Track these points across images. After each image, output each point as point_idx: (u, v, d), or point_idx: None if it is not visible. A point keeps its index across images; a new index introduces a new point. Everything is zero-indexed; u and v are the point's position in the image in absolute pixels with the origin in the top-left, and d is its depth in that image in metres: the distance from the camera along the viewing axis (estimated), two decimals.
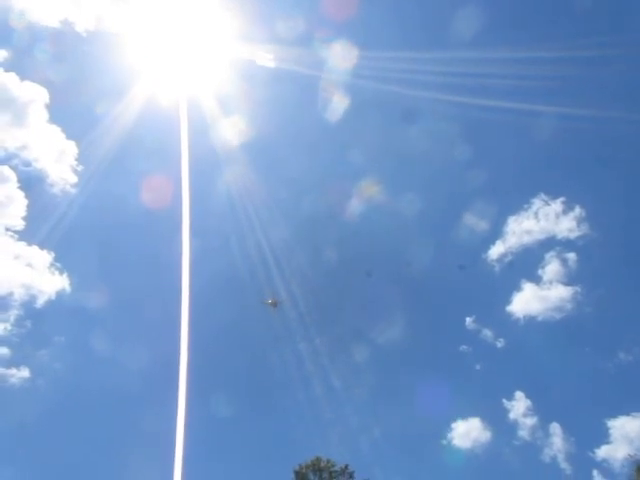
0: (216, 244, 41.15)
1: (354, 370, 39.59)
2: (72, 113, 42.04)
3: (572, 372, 38.92)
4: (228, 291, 41.30)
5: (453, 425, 37.50)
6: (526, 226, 41.92)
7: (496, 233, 42.20)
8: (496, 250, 41.81)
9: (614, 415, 35.84)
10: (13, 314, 38.02)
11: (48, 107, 41.29)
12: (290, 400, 38.16)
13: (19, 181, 40.47)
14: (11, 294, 38.37)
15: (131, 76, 39.96)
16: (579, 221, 41.23)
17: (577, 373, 39.01)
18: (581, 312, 40.13)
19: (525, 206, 42.29)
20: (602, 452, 35.18)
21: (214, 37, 38.76)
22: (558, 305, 40.14)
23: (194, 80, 38.08)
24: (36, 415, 36.12)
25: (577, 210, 41.42)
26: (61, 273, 39.75)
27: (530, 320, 40.31)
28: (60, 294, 39.46)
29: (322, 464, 30.94)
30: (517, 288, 41.28)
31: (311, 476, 30.71)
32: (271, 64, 38.25)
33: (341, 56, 38.57)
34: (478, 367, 40.36)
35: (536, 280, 41.19)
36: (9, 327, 37.65)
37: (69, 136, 41.83)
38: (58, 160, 41.93)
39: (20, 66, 40.61)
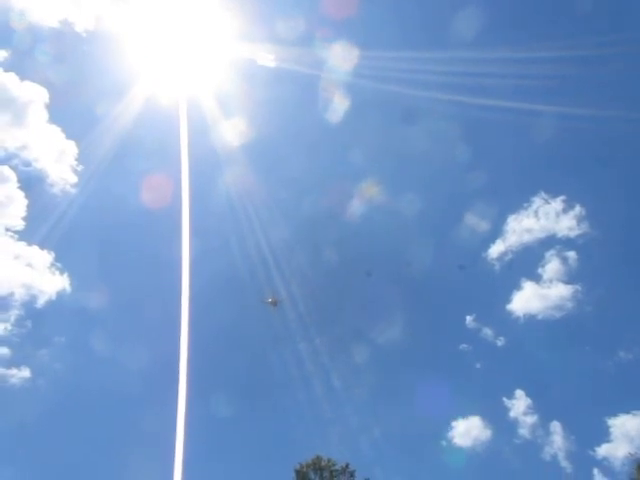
0: (216, 244, 41.22)
1: (354, 369, 39.67)
2: (72, 113, 42.18)
3: (572, 370, 39.00)
4: (228, 291, 41.37)
5: (453, 424, 37.61)
6: (526, 225, 42.06)
7: (496, 232, 42.34)
8: (496, 249, 41.94)
9: (614, 413, 35.92)
10: (13, 314, 38.11)
11: (48, 107, 41.42)
12: (290, 400, 38.23)
13: (19, 181, 40.59)
14: (11, 294, 38.47)
15: (131, 76, 40.06)
16: (579, 220, 41.35)
17: (577, 371, 39.07)
18: (581, 311, 40.24)
19: (525, 205, 42.43)
20: (602, 450, 35.29)
21: (214, 37, 38.84)
22: (558, 304, 40.24)
23: (194, 80, 38.14)
24: (36, 415, 36.19)
25: (577, 209, 41.57)
26: (61, 273, 39.84)
27: (530, 319, 40.42)
28: (60, 294, 39.57)
29: (323, 463, 30.94)
30: (517, 287, 41.42)
31: (312, 475, 30.71)
32: (271, 64, 38.31)
33: (341, 56, 38.64)
34: (478, 366, 40.48)
35: (536, 279, 41.31)
36: (9, 327, 37.73)
37: (69, 136, 41.96)
38: (58, 160, 42.05)
39: (20, 66, 40.73)
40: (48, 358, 39.02)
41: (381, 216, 43.48)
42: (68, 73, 40.40)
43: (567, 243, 41.31)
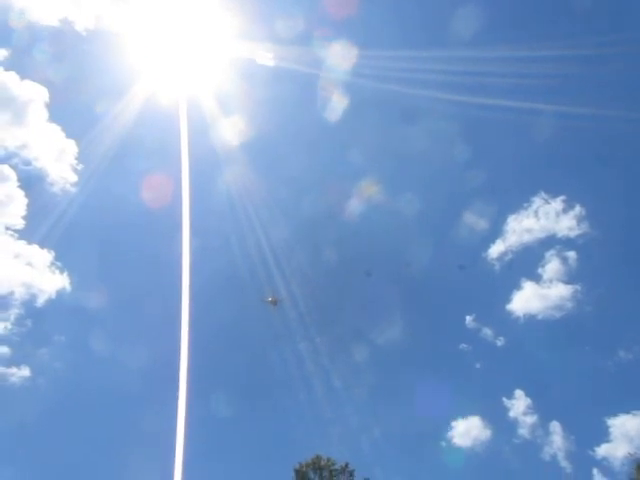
0: (216, 243, 41.19)
1: (354, 369, 39.67)
2: (72, 112, 42.09)
3: (572, 370, 38.98)
4: (228, 290, 41.35)
5: (453, 424, 37.60)
6: (526, 225, 41.99)
7: (496, 232, 42.27)
8: (496, 249, 41.88)
9: (614, 413, 35.90)
10: (13, 313, 38.11)
11: (48, 106, 41.37)
12: (290, 399, 38.23)
13: (19, 180, 40.55)
14: (11, 293, 38.47)
15: (131, 75, 40.00)
16: (579, 220, 41.30)
17: (577, 371, 39.06)
18: (581, 311, 40.20)
19: (525, 205, 42.36)
20: (602, 450, 35.28)
21: (214, 36, 38.76)
22: (558, 304, 40.20)
23: (194, 79, 38.12)
24: (36, 414, 36.18)
25: (577, 209, 41.50)
26: (61, 272, 39.81)
27: (530, 319, 40.38)
28: (60, 293, 39.54)
29: (322, 462, 30.95)
30: (517, 287, 41.35)
31: (311, 474, 30.72)
32: (271, 63, 38.26)
33: (341, 55, 38.59)
34: (478, 366, 40.45)
35: (536, 279, 41.26)
36: (9, 326, 37.73)
37: (69, 135, 41.91)
38: (58, 159, 41.99)
39: (20, 65, 40.71)
40: (48, 357, 39.11)
41: (381, 215, 43.49)
42: (68, 72, 40.43)
43: (567, 243, 41.34)
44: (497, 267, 41.93)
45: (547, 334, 40.34)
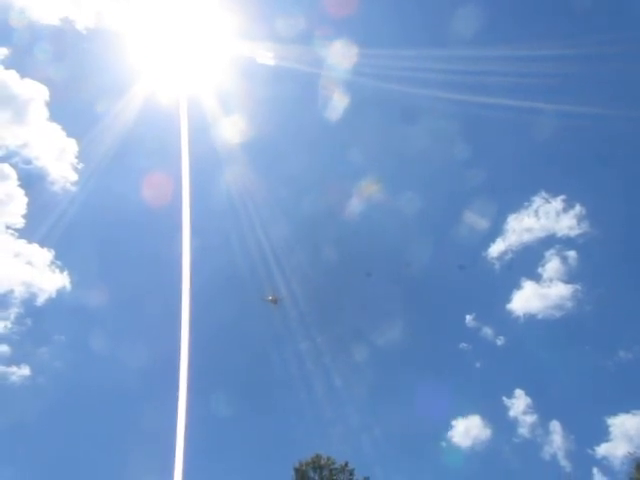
0: (216, 242, 41.17)
1: (354, 368, 39.64)
2: (72, 111, 42.06)
3: (572, 370, 38.90)
4: (228, 290, 41.33)
5: (453, 423, 37.58)
6: (526, 224, 41.96)
7: (496, 231, 42.23)
8: (496, 248, 41.85)
9: (614, 413, 35.89)
10: (13, 312, 38.11)
11: (48, 105, 41.38)
12: (290, 399, 38.22)
13: (19, 179, 40.55)
14: (11, 292, 38.47)
15: (131, 74, 39.96)
16: (579, 219, 41.28)
17: (577, 371, 38.99)
18: (581, 310, 40.19)
19: (525, 204, 42.34)
20: (602, 450, 35.26)
21: (214, 35, 38.71)
22: (558, 303, 40.18)
23: (194, 78, 38.07)
24: (36, 413, 36.26)
25: (577, 208, 41.48)
26: (61, 271, 39.81)
27: (530, 318, 40.36)
28: (60, 292, 39.53)
29: (322, 461, 30.99)
30: (517, 286, 41.32)
31: (311, 473, 30.75)
32: (271, 62, 38.25)
33: (341, 54, 38.56)
34: (478, 365, 40.44)
35: (536, 278, 41.24)
36: (9, 325, 37.74)
37: (69, 134, 41.88)
38: (58, 158, 41.96)
39: (20, 64, 40.68)
40: (48, 356, 39.08)
41: (381, 214, 43.50)
42: (68, 71, 40.44)
43: (567, 242, 41.32)
44: (497, 266, 42.00)
45: (547, 333, 40.41)
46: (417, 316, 42.02)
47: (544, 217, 41.87)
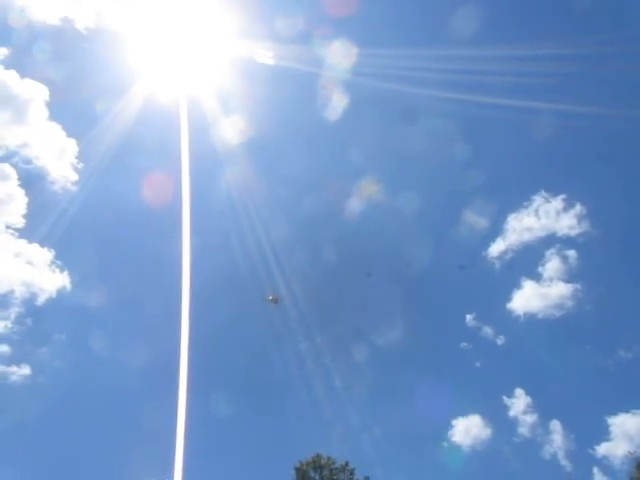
0: (216, 242, 41.12)
1: (354, 368, 39.65)
2: (72, 111, 42.05)
3: (572, 369, 38.90)
4: (228, 289, 41.33)
5: (453, 422, 37.54)
6: (526, 223, 41.91)
7: (496, 230, 42.19)
8: (496, 247, 41.81)
9: (614, 412, 35.86)
10: (14, 312, 38.12)
11: (48, 105, 41.31)
12: (291, 399, 38.25)
13: (19, 179, 40.49)
14: (12, 292, 38.47)
15: (131, 74, 39.91)
16: (580, 218, 41.24)
17: (577, 370, 38.97)
18: (581, 310, 40.18)
19: (525, 203, 42.29)
20: (602, 449, 35.24)
21: (214, 35, 38.64)
22: (558, 303, 40.16)
23: (194, 78, 38.02)
24: (37, 413, 36.20)
25: (578, 207, 41.44)
26: (62, 271, 39.79)
27: (530, 317, 40.34)
28: (61, 292, 39.52)
29: (323, 461, 31.00)
30: (517, 285, 41.28)
31: (311, 473, 30.76)
32: (271, 62, 38.21)
33: (341, 54, 38.52)
34: (478, 364, 40.42)
35: (536, 278, 41.20)
36: (10, 325, 37.75)
37: (70, 134, 41.82)
38: (59, 158, 41.96)
39: (20, 64, 40.64)
40: (48, 356, 39.12)
41: (381, 214, 43.49)
42: (68, 71, 40.39)
43: (567, 242, 41.28)
44: (497, 266, 41.97)
45: (547, 333, 40.39)
46: (417, 316, 42.07)
47: (544, 216, 41.92)
